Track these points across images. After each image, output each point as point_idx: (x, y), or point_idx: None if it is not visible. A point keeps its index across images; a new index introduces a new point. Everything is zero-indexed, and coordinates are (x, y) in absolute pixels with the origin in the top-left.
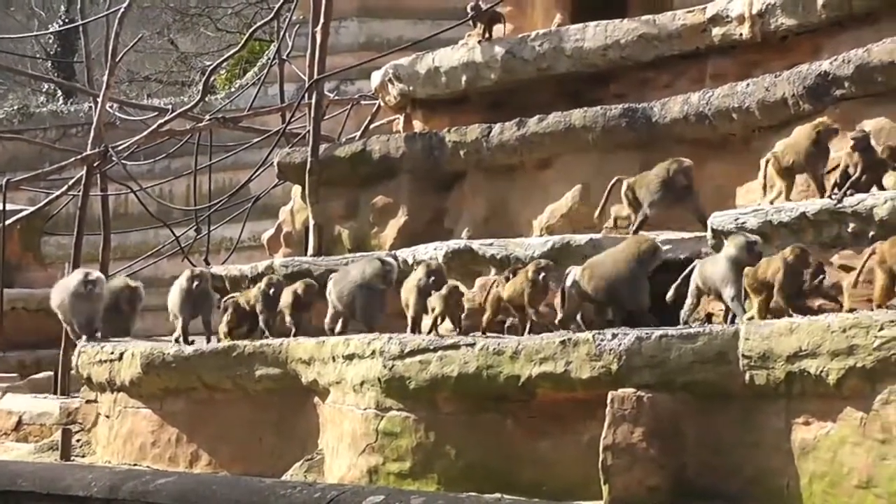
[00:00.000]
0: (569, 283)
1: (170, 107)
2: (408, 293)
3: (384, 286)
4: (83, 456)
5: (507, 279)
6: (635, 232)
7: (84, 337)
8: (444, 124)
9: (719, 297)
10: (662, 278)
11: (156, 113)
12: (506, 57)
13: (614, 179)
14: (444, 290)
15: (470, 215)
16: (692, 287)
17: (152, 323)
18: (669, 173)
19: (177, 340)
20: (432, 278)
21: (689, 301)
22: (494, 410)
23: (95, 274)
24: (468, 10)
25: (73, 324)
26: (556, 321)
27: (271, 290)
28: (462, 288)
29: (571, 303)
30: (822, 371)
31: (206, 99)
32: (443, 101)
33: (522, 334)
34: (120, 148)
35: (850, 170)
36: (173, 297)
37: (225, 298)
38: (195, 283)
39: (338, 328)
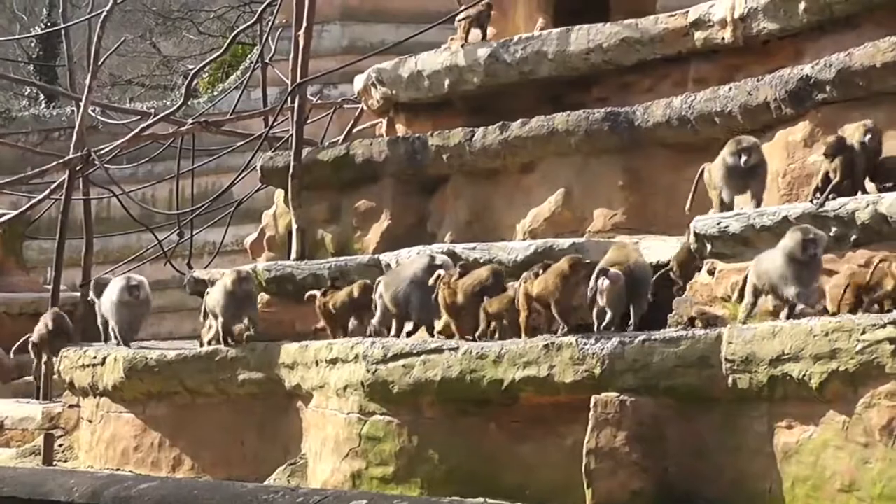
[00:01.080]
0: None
1: (152, 110)
2: (464, 295)
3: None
4: (65, 461)
5: (537, 275)
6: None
7: (123, 342)
8: (426, 128)
9: (775, 293)
10: None
11: (138, 117)
12: (488, 61)
13: (701, 168)
14: (510, 294)
15: (453, 219)
16: (749, 285)
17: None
18: (730, 153)
19: (210, 342)
20: (496, 280)
21: (747, 300)
22: (477, 414)
23: (138, 278)
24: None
25: (115, 330)
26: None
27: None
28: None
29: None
30: (804, 375)
31: (189, 103)
32: (425, 104)
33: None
34: (102, 152)
35: (831, 174)
36: (215, 298)
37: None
38: (242, 285)
39: (393, 331)
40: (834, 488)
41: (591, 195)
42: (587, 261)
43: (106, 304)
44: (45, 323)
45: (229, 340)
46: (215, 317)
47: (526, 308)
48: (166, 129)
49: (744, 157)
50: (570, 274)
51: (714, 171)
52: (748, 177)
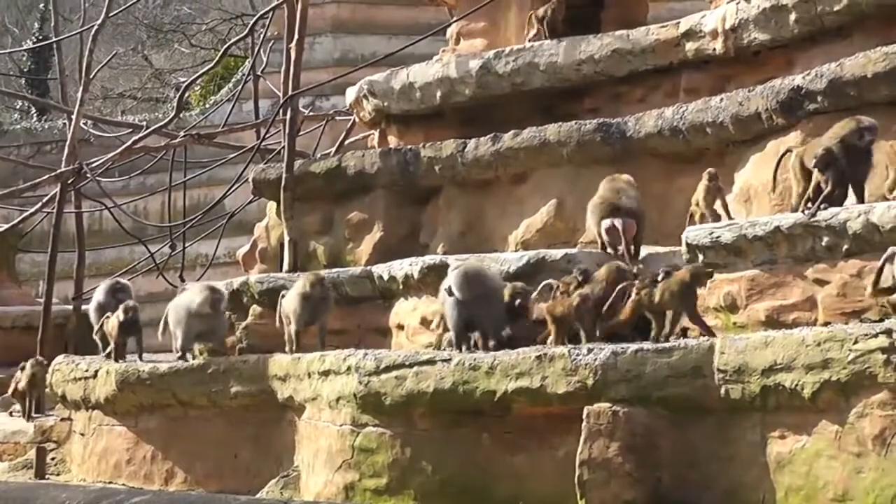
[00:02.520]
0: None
1: (144, 123)
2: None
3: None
4: (58, 474)
5: (655, 282)
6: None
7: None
8: (418, 139)
9: None
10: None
11: (130, 130)
12: (480, 72)
13: (783, 151)
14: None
15: (445, 230)
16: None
17: (131, 341)
18: (848, 134)
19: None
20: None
21: None
22: (470, 426)
23: (221, 289)
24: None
25: (179, 338)
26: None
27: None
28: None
29: None
30: (797, 385)
31: (181, 115)
32: (417, 116)
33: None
34: (94, 165)
35: (822, 184)
36: (290, 303)
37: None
38: (317, 288)
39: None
40: (827, 498)
41: (584, 205)
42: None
43: (179, 313)
44: (116, 316)
45: (298, 347)
46: (289, 323)
47: (632, 313)
48: (158, 141)
49: (867, 137)
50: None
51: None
52: (864, 161)
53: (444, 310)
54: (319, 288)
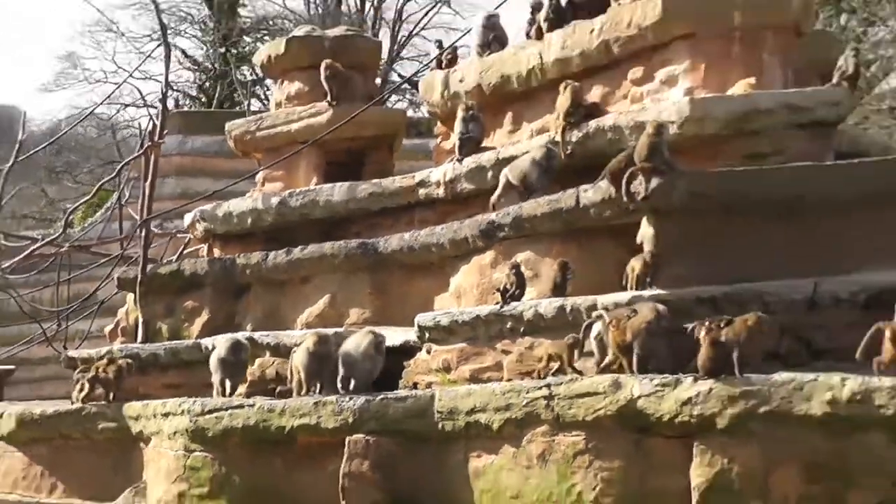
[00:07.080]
0: None
1: (40, 236)
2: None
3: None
4: None
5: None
6: None
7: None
8: (235, 251)
9: None
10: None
11: (30, 241)
12: (279, 206)
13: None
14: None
15: (253, 315)
16: None
17: (27, 391)
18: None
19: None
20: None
21: None
22: (268, 451)
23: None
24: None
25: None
26: None
27: None
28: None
29: None
30: (489, 421)
31: (67, 231)
32: (235, 235)
33: None
34: (5, 266)
35: (508, 286)
36: (300, 357)
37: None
38: (321, 346)
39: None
40: (507, 496)
41: (349, 299)
42: None
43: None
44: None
45: (311, 391)
46: (298, 372)
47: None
48: (50, 249)
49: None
50: None
51: None
52: None
53: None
54: (323, 346)
